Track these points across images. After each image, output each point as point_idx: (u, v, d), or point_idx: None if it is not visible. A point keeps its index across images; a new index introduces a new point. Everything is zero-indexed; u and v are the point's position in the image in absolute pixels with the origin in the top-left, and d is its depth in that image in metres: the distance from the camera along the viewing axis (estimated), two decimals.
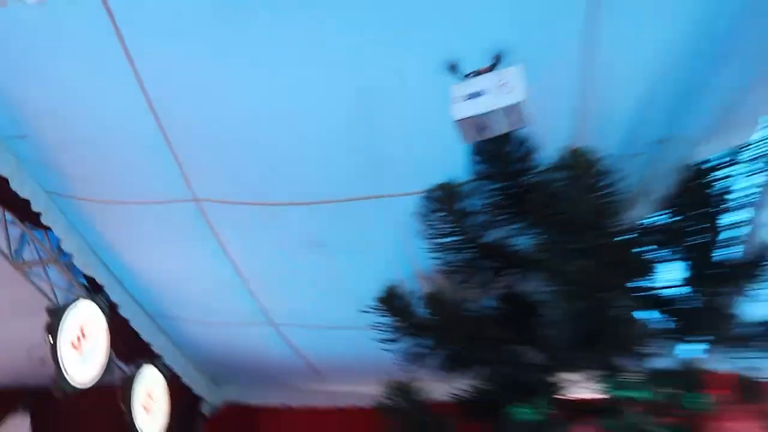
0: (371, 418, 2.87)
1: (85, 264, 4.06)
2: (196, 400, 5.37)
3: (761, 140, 2.96)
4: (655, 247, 2.93)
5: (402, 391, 2.76)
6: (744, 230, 3.17)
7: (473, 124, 2.51)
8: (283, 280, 3.61)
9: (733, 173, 3.10)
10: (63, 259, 4.13)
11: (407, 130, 2.80)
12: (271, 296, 3.80)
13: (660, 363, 2.99)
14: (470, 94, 2.50)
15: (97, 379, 4.08)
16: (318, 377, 4.89)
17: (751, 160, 3.06)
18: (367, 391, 4.69)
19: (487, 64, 2.57)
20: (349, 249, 3.34)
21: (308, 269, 3.52)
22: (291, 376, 4.92)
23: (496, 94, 2.46)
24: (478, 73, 2.58)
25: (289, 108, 2.69)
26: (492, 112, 2.45)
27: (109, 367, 4.20)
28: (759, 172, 2.99)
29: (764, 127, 2.90)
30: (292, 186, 3.03)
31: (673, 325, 3.02)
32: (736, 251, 3.19)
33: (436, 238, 2.90)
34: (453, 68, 2.61)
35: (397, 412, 2.77)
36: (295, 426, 5.13)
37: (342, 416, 4.95)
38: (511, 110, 2.45)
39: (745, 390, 2.81)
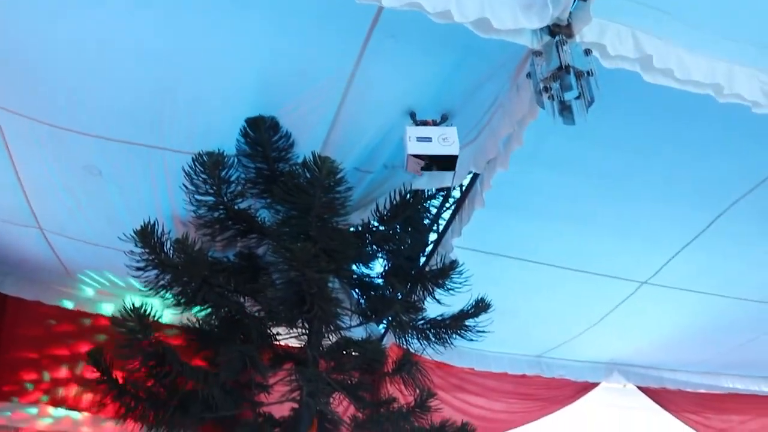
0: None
1: None
2: None
3: (461, 187, 3.51)
4: (366, 244, 3.35)
5: (135, 312, 2.81)
6: (431, 247, 3.74)
7: (419, 160, 2.79)
8: (57, 194, 3.45)
9: (437, 206, 3.65)
10: None
11: (200, 99, 2.86)
12: (43, 205, 3.63)
13: (351, 333, 3.46)
14: (420, 137, 2.79)
15: None
16: (72, 282, 4.77)
17: (452, 199, 3.62)
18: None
19: (432, 118, 2.92)
20: (123, 183, 3.31)
21: (82, 190, 3.41)
22: (48, 277, 4.72)
23: (440, 143, 2.78)
24: (425, 123, 2.90)
25: (100, 52, 2.61)
26: (434, 155, 2.77)
27: None
28: (449, 209, 3.54)
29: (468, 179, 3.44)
30: (83, 115, 2.94)
31: (365, 307, 3.49)
32: (425, 262, 3.76)
33: (197, 194, 3.04)
34: (412, 116, 2.92)
35: (128, 329, 2.82)
36: (42, 320, 4.93)
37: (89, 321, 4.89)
38: (447, 159, 2.80)
39: (405, 363, 3.35)
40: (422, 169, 2.87)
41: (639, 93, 2.59)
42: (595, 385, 5.84)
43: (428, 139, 2.80)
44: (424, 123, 2.92)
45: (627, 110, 2.96)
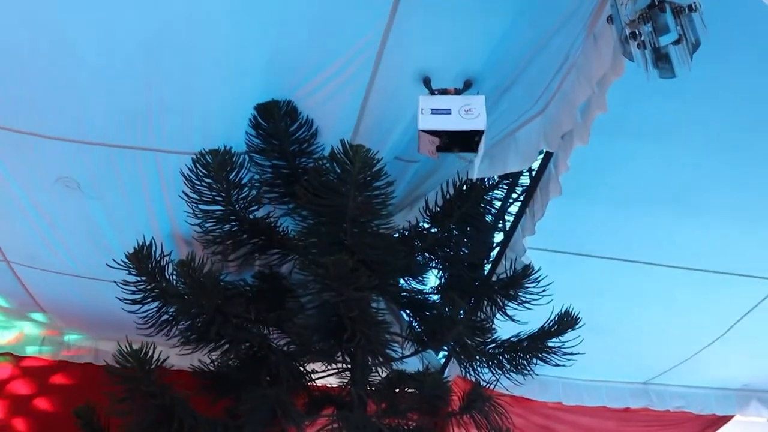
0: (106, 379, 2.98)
1: None
2: None
3: (530, 171, 3.56)
4: (416, 252, 3.43)
5: (134, 356, 2.89)
6: (497, 251, 3.79)
7: (433, 138, 2.84)
8: (25, 216, 3.59)
9: (501, 197, 3.70)
10: None
11: (191, 87, 2.96)
12: (7, 232, 3.78)
13: (404, 365, 3.53)
14: (436, 110, 2.83)
15: None
16: (53, 328, 4.95)
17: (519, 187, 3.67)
18: (107, 349, 4.89)
19: (454, 86, 2.94)
20: (108, 197, 3.43)
21: (56, 209, 3.55)
22: None
23: (462, 116, 2.81)
24: (444, 91, 2.92)
25: (73, 36, 2.72)
26: (454, 131, 2.80)
27: None
28: (518, 201, 3.59)
29: (539, 160, 3.48)
30: (52, 116, 3.06)
31: (419, 330, 3.56)
32: (491, 270, 3.81)
33: (201, 204, 3.14)
34: (426, 83, 2.94)
35: (126, 378, 2.91)
36: (22, 376, 5.11)
37: (77, 372, 5.04)
38: (471, 136, 2.82)
39: (475, 399, 3.41)
40: (438, 149, 2.91)
41: (761, 30, 2.58)
42: (727, 419, 5.78)
43: (447, 111, 2.85)
44: (443, 92, 2.95)
45: (749, 53, 2.94)
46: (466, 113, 2.83)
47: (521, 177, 3.63)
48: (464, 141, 2.86)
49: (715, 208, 3.82)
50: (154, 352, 2.95)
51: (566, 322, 3.39)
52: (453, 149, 2.93)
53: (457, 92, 2.94)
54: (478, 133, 2.82)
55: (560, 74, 2.98)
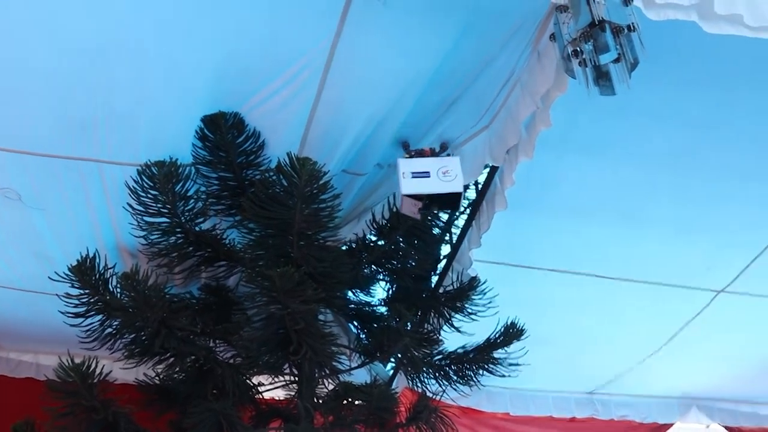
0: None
1: None
2: None
3: (476, 185, 3.60)
4: (363, 264, 3.44)
5: (75, 370, 2.84)
6: (444, 263, 3.82)
7: (416, 201, 2.96)
8: None
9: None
10: None
11: (139, 97, 2.92)
12: None
13: (352, 377, 3.53)
14: (416, 173, 2.97)
15: None
16: None
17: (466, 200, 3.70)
18: (48, 363, 4.78)
19: (429, 147, 3.10)
20: (50, 209, 3.37)
21: None
22: None
23: (440, 179, 2.97)
24: (421, 153, 3.07)
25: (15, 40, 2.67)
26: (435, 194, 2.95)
27: None
28: (464, 214, 3.63)
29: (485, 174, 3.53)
30: None
31: (366, 342, 3.56)
32: (438, 282, 3.84)
33: (146, 216, 3.11)
34: (405, 146, 3.12)
35: (67, 393, 2.87)
36: None
37: (17, 387, 4.91)
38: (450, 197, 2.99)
39: (421, 411, 3.42)
40: (420, 210, 3.04)
41: (698, 49, 2.64)
42: (668, 426, 5.89)
43: (426, 174, 3.00)
44: (420, 153, 3.09)
45: (684, 73, 3.04)
46: (444, 175, 2.98)
47: (467, 190, 3.67)
48: (444, 201, 3.03)
49: (657, 221, 3.92)
50: (96, 366, 2.90)
51: (512, 333, 3.43)
52: (433, 209, 3.10)
53: (433, 153, 3.10)
54: (457, 194, 2.99)
55: (506, 89, 3.04)
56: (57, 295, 3.07)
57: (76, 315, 3.07)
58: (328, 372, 3.31)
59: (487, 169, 3.44)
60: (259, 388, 3.43)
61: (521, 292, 4.05)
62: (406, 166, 2.99)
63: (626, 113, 3.20)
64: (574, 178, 3.61)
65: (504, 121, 3.04)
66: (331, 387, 3.38)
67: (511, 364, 3.48)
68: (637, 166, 3.57)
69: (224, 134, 3.08)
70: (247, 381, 3.38)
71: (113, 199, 3.29)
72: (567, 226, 3.91)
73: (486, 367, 3.48)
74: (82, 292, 3.04)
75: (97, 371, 2.90)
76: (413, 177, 2.98)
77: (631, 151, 3.49)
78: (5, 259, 3.77)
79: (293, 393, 3.37)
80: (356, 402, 3.30)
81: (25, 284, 3.96)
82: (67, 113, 2.98)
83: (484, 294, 3.50)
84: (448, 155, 3.12)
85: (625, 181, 3.66)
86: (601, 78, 2.25)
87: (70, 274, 3.02)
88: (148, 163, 3.01)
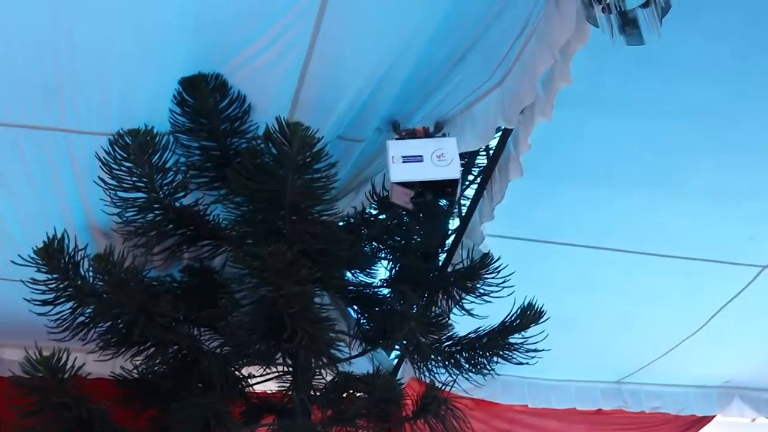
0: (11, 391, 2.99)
1: None
2: None
3: (488, 150, 3.62)
4: (363, 241, 3.47)
5: (44, 364, 2.86)
6: (453, 238, 3.85)
7: (407, 189, 2.95)
8: None
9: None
10: None
11: (108, 59, 2.93)
12: None
13: (352, 366, 3.57)
14: (407, 157, 2.94)
15: None
16: None
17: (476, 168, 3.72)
18: (12, 358, 4.81)
19: (423, 126, 3.07)
20: (11, 185, 3.38)
21: None
22: None
23: (435, 163, 2.94)
24: (413, 133, 3.05)
25: None
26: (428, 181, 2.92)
27: None
28: (474, 183, 3.65)
29: (497, 138, 3.55)
30: None
31: (368, 328, 3.60)
32: (446, 260, 3.87)
33: (120, 191, 3.12)
34: (395, 127, 3.10)
35: (36, 389, 2.90)
36: None
37: None
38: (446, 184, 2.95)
39: (430, 403, 3.45)
40: (413, 199, 3.04)
41: None
42: (707, 420, 5.93)
43: (418, 159, 2.98)
44: (412, 134, 3.08)
45: (723, 20, 3.02)
46: (439, 159, 2.96)
47: (478, 157, 3.69)
48: (438, 188, 3.00)
49: (693, 187, 3.94)
50: (68, 358, 2.92)
51: (529, 316, 3.45)
52: (426, 197, 3.05)
53: (427, 133, 3.09)
54: (454, 181, 2.96)
55: (520, 42, 3.04)
56: (21, 280, 3.07)
57: (44, 302, 3.08)
58: (325, 361, 3.34)
59: (500, 133, 3.44)
60: (249, 380, 3.47)
61: (539, 270, 4.07)
62: (396, 149, 2.98)
63: (656, 66, 3.20)
64: (598, 141, 3.62)
65: (518, 77, 3.05)
66: (329, 378, 3.43)
67: (528, 351, 3.51)
68: (669, 127, 3.58)
69: (205, 98, 3.08)
70: (236, 372, 3.43)
71: (82, 174, 3.31)
72: (591, 195, 3.93)
73: (501, 353, 3.52)
74: (49, 277, 3.04)
75: (69, 364, 2.92)
76: (404, 162, 2.98)
77: (663, 109, 3.49)
78: None
79: (287, 385, 3.41)
80: (357, 394, 3.36)
81: None
82: (26, 79, 2.98)
83: (498, 272, 3.51)
84: (444, 135, 3.11)
85: (655, 143, 3.66)
86: (628, 26, 2.26)
87: (35, 257, 3.02)
88: (121, 132, 3.01)
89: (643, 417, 5.75)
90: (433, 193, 3.04)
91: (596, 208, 4.01)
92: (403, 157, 2.97)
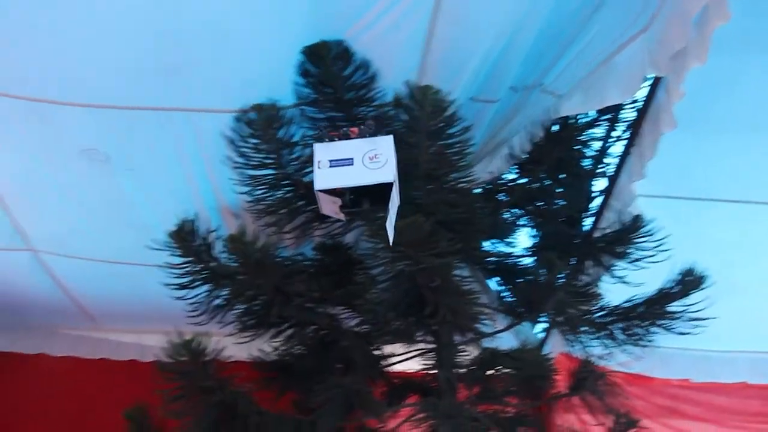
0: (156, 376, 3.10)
1: None
2: None
3: (636, 102, 3.54)
4: (502, 208, 3.47)
5: (187, 348, 3.02)
6: (602, 202, 3.79)
7: (335, 198, 2.87)
8: (49, 197, 3.71)
9: (601, 137, 3.69)
10: None
11: (224, 31, 3.03)
12: (31, 215, 3.93)
13: (497, 342, 3.59)
14: (335, 161, 2.85)
15: None
16: (90, 322, 5.17)
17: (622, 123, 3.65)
18: (152, 344, 5.10)
19: (358, 126, 2.96)
20: (139, 169, 3.56)
21: (84, 187, 3.66)
22: (53, 318, 5.13)
23: (366, 166, 2.83)
24: (346, 135, 2.94)
25: None
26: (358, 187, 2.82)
27: None
28: (621, 139, 3.58)
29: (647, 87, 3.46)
30: (71, 82, 3.17)
31: (511, 300, 3.61)
32: (594, 224, 3.82)
33: (248, 169, 3.22)
34: (320, 128, 3.01)
35: (180, 373, 3.05)
36: (57, 380, 5.35)
37: (120, 371, 5.26)
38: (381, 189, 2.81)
39: (585, 378, 3.45)
40: (343, 209, 2.93)
41: None
42: None
43: (348, 162, 2.85)
44: (344, 135, 2.95)
45: None
46: (371, 161, 2.83)
47: (623, 110, 3.61)
48: (375, 194, 2.85)
49: None
50: (209, 342, 3.07)
51: (690, 281, 3.40)
52: (363, 204, 2.92)
53: (361, 133, 2.94)
54: (387, 185, 2.80)
55: None
56: (158, 265, 3.23)
57: (180, 286, 3.25)
58: (470, 337, 3.37)
59: (648, 82, 3.36)
60: (390, 359, 3.54)
61: (699, 231, 3.97)
62: (323, 152, 2.88)
63: None
64: (761, 85, 3.48)
65: (667, 19, 2.95)
66: (474, 355, 3.45)
67: (691, 320, 3.44)
68: None
69: (329, 67, 3.11)
70: (377, 352, 3.52)
71: (208, 153, 3.44)
72: (754, 145, 3.78)
73: (659, 323, 3.47)
74: (184, 260, 3.21)
75: (210, 348, 3.08)
76: (332, 166, 2.85)
77: None
78: (97, 230, 4.02)
79: (431, 363, 3.46)
80: (504, 371, 3.37)
81: (119, 255, 4.22)
82: (140, 61, 3.10)
83: (652, 235, 3.46)
84: (383, 134, 2.93)
85: None
86: None
87: (169, 240, 3.19)
88: (245, 107, 3.11)
89: None
90: (370, 201, 2.90)
91: (760, 159, 3.86)
92: (331, 161, 2.85)
